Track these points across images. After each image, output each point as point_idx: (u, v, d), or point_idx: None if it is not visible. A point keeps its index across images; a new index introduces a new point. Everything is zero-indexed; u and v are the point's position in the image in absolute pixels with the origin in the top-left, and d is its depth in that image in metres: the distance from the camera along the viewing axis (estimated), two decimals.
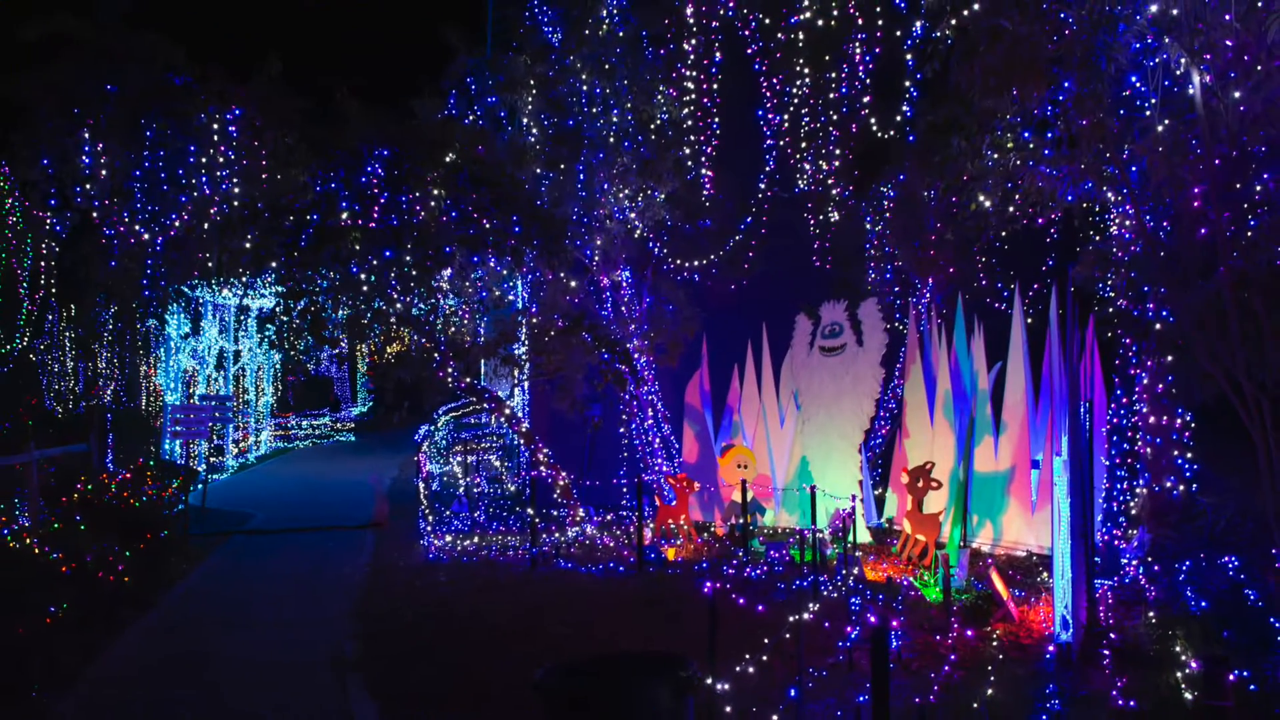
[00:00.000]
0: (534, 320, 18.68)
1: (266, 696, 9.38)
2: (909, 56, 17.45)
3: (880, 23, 17.77)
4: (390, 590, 13.61)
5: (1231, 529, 10.98)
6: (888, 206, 17.88)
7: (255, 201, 16.89)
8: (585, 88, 18.25)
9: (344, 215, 16.50)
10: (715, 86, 18.89)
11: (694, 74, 18.82)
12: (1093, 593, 10.06)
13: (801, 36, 18.14)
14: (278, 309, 17.34)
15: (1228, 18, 8.55)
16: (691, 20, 18.70)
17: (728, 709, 7.76)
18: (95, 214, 16.99)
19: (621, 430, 19.38)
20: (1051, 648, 9.69)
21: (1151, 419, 11.82)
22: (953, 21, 11.96)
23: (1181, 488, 11.55)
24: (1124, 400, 13.01)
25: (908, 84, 17.62)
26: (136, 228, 17.00)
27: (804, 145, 18.65)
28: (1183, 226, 9.85)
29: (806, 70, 18.31)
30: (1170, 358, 11.21)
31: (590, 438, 20.41)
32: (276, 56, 17.34)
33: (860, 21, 17.87)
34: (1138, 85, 10.26)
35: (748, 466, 16.58)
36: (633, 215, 18.54)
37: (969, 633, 10.35)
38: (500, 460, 24.83)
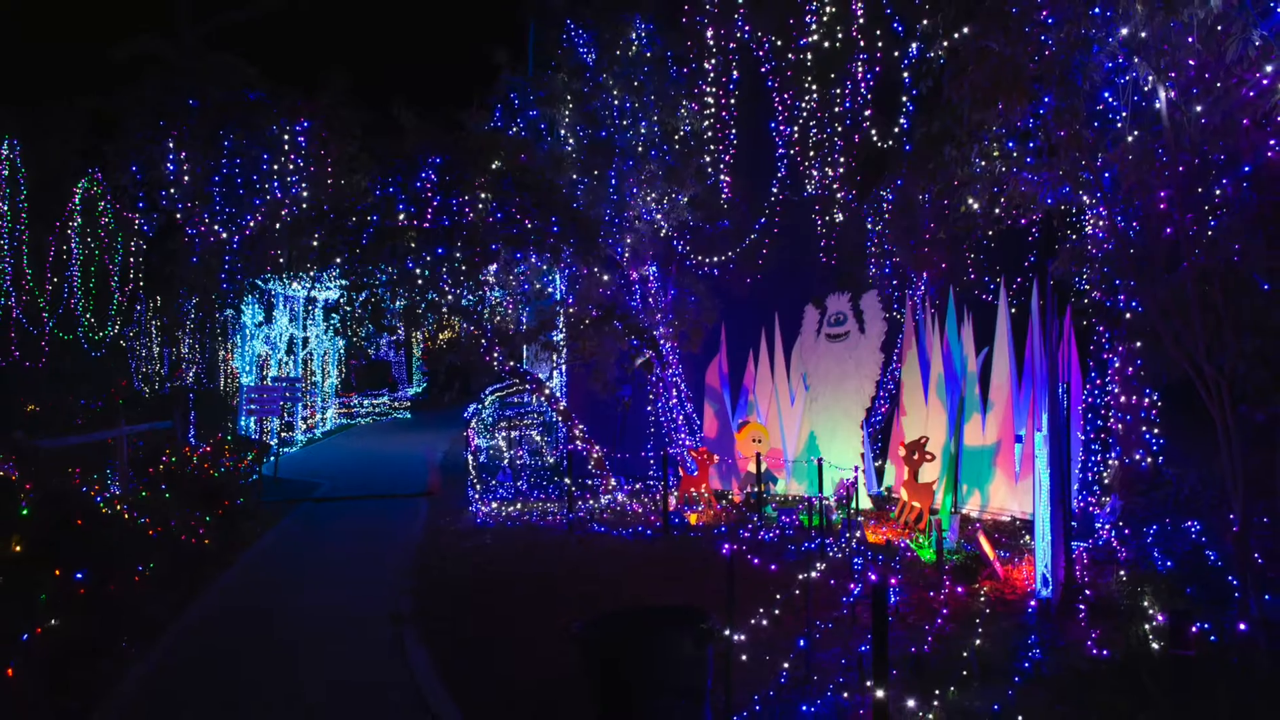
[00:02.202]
0: (570, 310, 18.81)
1: (332, 644, 9.57)
2: (906, 74, 17.40)
3: (880, 44, 17.72)
4: (442, 551, 13.75)
5: (1194, 497, 10.98)
6: (886, 208, 17.84)
7: (321, 204, 17.08)
8: (616, 102, 18.32)
9: (401, 216, 16.65)
10: (733, 101, 18.91)
11: (714, 90, 18.85)
12: (1070, 554, 10.10)
13: (809, 56, 18.12)
14: (341, 300, 17.50)
15: (1191, 40, 8.54)
16: (711, 42, 18.72)
17: (744, 657, 7.90)
18: (179, 215, 17.23)
19: (649, 408, 19.47)
20: (1033, 603, 9.77)
21: (1122, 398, 11.83)
22: (945, 43, 11.94)
23: (1149, 460, 11.57)
24: (1098, 382, 13.02)
25: (904, 99, 17.57)
26: (215, 227, 17.23)
27: (812, 154, 18.63)
28: (1150, 226, 9.84)
29: (814, 86, 18.28)
30: (1139, 344, 11.22)
31: (621, 415, 20.53)
32: (340, 73, 17.50)
33: (862, 43, 17.81)
34: (1110, 100, 10.24)
35: (762, 441, 16.66)
36: (659, 216, 18.60)
37: (959, 589, 10.44)
38: (540, 435, 24.91)
